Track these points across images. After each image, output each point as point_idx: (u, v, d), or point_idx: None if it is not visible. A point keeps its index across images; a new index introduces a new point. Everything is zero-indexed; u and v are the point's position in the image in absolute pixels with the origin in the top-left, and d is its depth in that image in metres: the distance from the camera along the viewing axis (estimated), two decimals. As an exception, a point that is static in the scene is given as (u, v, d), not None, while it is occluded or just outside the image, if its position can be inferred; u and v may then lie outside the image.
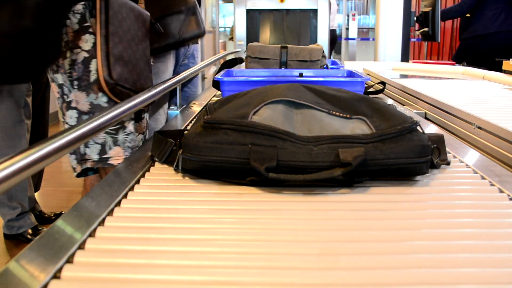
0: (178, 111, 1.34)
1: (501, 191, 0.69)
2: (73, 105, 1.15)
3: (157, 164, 0.82)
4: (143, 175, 0.76)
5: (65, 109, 1.17)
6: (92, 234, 0.55)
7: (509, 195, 0.68)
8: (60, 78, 1.16)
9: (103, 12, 1.10)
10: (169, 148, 0.80)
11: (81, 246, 0.52)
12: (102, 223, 0.58)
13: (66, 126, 1.17)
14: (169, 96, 1.81)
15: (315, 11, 5.94)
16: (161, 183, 0.72)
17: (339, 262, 0.49)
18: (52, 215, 2.23)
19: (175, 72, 1.79)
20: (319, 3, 5.92)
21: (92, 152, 1.17)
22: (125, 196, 0.67)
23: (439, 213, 0.62)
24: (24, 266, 0.47)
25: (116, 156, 1.17)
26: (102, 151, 1.17)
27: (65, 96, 1.17)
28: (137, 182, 0.73)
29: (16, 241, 2.02)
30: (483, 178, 0.75)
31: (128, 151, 1.18)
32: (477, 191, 0.70)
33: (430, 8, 3.50)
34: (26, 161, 0.54)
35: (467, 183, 0.73)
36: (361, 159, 0.66)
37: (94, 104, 1.15)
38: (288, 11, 6.00)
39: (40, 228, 2.06)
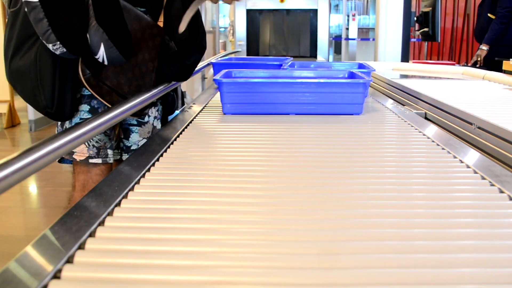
0: (178, 111, 1.34)
1: (501, 191, 0.69)
2: None
3: (157, 165, 0.82)
4: (143, 176, 0.76)
5: None
6: (92, 234, 0.55)
7: (509, 195, 0.68)
8: None
9: None
10: None
11: (81, 246, 0.52)
12: (102, 223, 0.58)
13: None
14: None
15: (315, 11, 5.96)
16: (161, 183, 0.73)
17: (339, 261, 0.49)
18: None
19: None
20: (319, 3, 5.93)
21: None
22: (125, 196, 0.67)
23: (439, 213, 0.62)
24: (24, 266, 0.47)
25: (80, 152, 1.12)
26: None
27: None
28: (137, 182, 0.73)
29: (16, 241, 2.02)
30: (483, 178, 0.75)
31: (93, 150, 1.12)
32: (477, 191, 0.70)
33: (430, 8, 3.50)
34: (26, 161, 0.54)
35: (467, 183, 0.73)
36: None
37: None
38: (288, 11, 6.01)
39: None
